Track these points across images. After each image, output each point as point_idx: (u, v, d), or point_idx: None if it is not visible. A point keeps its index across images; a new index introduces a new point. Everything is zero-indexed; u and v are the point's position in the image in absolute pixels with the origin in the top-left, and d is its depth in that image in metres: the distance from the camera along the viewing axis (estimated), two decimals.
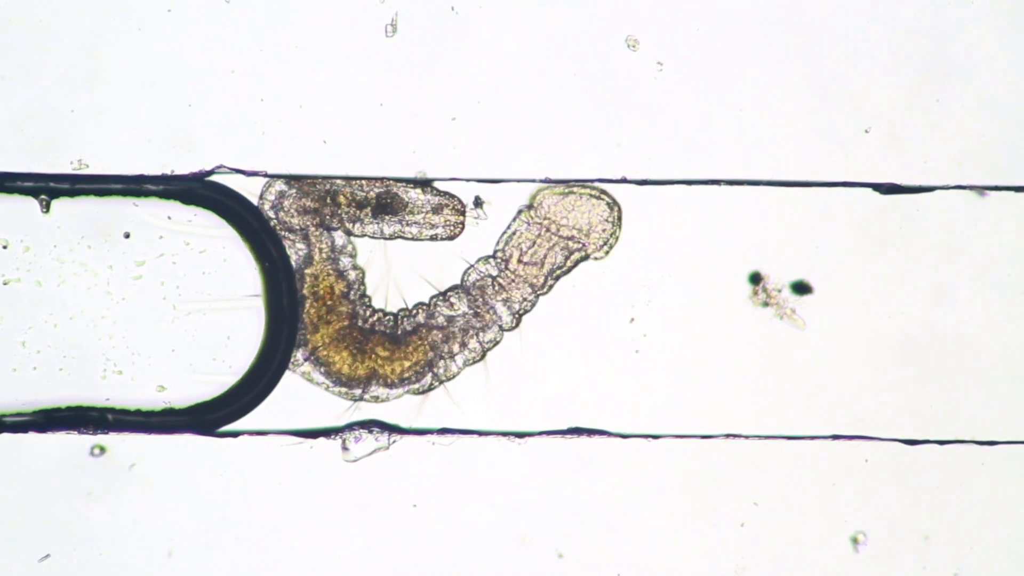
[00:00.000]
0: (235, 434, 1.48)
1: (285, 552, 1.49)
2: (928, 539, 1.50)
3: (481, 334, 1.44)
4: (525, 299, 1.45)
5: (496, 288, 1.44)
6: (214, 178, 1.47)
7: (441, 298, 1.45)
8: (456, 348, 1.45)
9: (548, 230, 1.47)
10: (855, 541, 1.50)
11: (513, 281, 1.46)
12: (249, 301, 1.46)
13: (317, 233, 1.44)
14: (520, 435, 1.48)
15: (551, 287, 1.46)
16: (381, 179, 1.42)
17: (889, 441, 1.49)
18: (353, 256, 1.45)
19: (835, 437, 1.49)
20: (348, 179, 1.45)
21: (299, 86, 1.47)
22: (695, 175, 1.48)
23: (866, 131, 1.49)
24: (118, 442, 1.48)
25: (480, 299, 1.43)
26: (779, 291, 1.47)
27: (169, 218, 1.47)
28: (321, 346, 1.42)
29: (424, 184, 1.42)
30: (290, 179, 1.46)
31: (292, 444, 1.48)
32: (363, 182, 1.43)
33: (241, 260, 1.46)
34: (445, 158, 1.48)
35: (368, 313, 1.44)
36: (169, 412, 1.47)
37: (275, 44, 1.47)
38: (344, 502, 1.49)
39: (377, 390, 1.45)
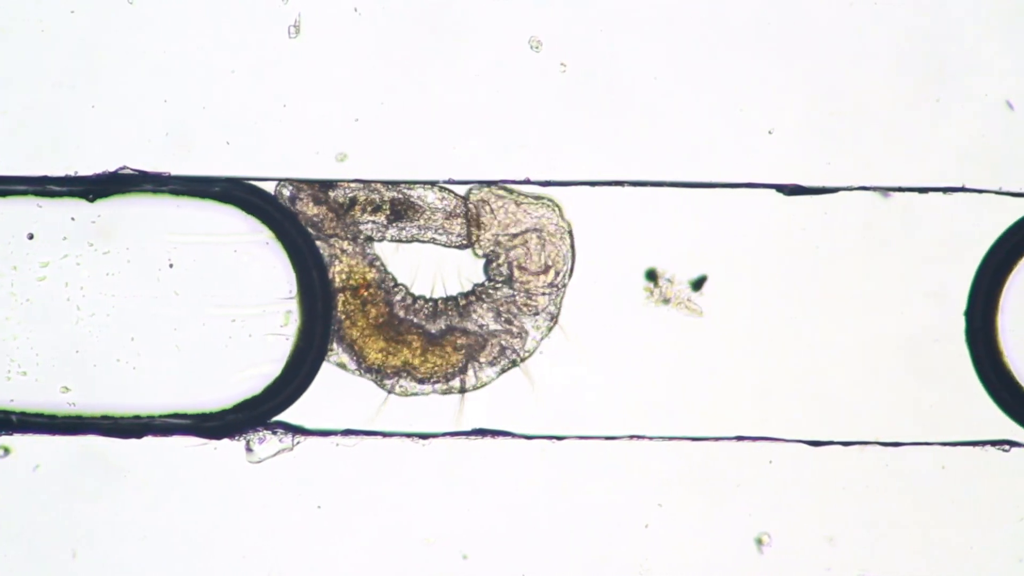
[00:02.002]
0: (139, 435, 1.48)
1: (188, 553, 1.49)
2: (833, 540, 1.50)
3: (514, 347, 1.43)
4: (548, 296, 1.44)
5: (519, 302, 1.44)
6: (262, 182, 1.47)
7: (474, 299, 1.44)
8: (489, 359, 1.44)
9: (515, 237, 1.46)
10: (759, 542, 1.50)
11: (527, 291, 1.45)
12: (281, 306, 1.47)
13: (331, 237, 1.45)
14: (424, 436, 1.48)
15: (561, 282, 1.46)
16: (395, 183, 1.43)
17: (793, 442, 1.48)
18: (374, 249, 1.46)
19: (739, 438, 1.49)
20: (364, 183, 1.45)
21: (202, 87, 1.47)
22: (600, 176, 1.48)
23: (769, 132, 1.49)
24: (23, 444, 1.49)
25: (509, 313, 1.43)
26: (671, 282, 1.46)
27: (72, 219, 1.47)
28: (358, 337, 1.42)
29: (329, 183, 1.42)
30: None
31: (196, 445, 1.48)
32: (378, 186, 1.43)
33: (276, 263, 1.47)
34: (348, 158, 1.48)
35: (404, 298, 1.44)
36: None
37: (178, 45, 1.47)
38: (248, 504, 1.49)
39: (407, 383, 1.45)
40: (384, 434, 1.48)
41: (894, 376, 1.48)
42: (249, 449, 1.48)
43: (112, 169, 1.47)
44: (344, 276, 1.44)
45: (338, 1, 1.48)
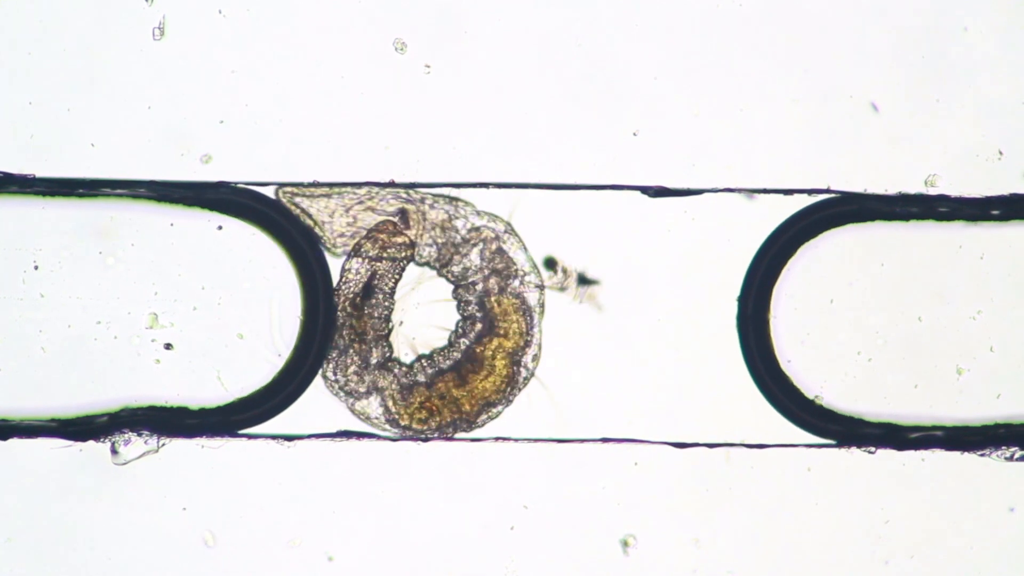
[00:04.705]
0: (5, 436, 1.48)
1: (54, 554, 1.49)
2: (699, 542, 1.50)
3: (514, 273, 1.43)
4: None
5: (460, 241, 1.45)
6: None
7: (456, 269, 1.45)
8: (515, 272, 1.44)
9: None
10: (625, 544, 1.50)
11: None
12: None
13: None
14: (289, 438, 1.48)
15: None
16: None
17: (659, 444, 1.49)
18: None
19: (605, 440, 1.49)
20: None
21: (67, 89, 1.47)
22: (464, 178, 1.48)
23: (634, 134, 1.49)
24: None
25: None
26: (567, 273, 1.46)
27: None
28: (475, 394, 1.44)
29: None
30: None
31: (62, 447, 1.48)
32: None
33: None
34: (216, 161, 1.48)
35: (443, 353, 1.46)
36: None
37: (43, 46, 1.47)
38: (113, 505, 1.49)
39: (528, 361, 1.45)
40: (250, 436, 1.48)
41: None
42: (114, 451, 1.48)
43: None
44: (413, 420, 1.46)
45: (203, 3, 1.48)
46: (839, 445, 1.49)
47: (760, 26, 1.48)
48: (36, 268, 1.48)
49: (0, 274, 1.47)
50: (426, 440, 1.47)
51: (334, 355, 1.42)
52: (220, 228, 1.47)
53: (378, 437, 1.49)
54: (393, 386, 1.45)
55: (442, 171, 1.48)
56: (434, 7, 1.48)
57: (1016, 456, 1.48)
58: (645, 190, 1.48)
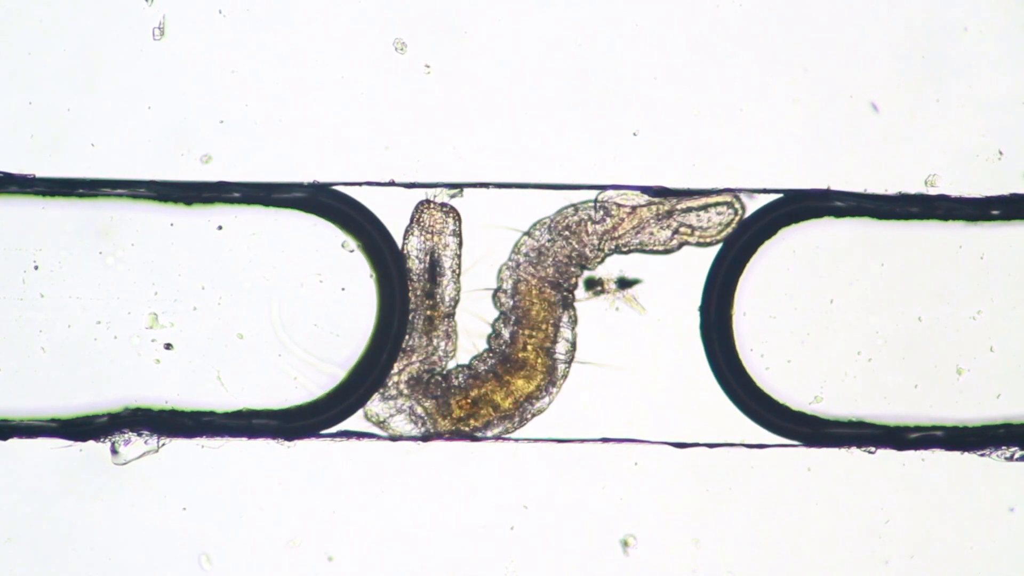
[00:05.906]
0: (5, 436, 1.48)
1: (54, 554, 1.49)
2: (699, 542, 1.50)
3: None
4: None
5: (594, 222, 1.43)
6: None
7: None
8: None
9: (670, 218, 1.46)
10: (625, 544, 1.50)
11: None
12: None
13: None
14: (290, 438, 1.48)
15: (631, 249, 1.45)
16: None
17: (658, 444, 1.49)
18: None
19: (605, 440, 1.49)
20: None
21: (67, 89, 1.47)
22: (464, 178, 1.48)
23: (634, 134, 1.49)
24: None
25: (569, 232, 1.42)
26: (612, 282, 1.46)
27: None
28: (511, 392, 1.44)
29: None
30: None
31: (62, 447, 1.48)
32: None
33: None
34: (213, 160, 1.48)
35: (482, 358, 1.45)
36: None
37: (43, 46, 1.47)
38: (113, 505, 1.49)
39: (559, 349, 1.45)
40: (249, 435, 1.48)
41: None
42: (114, 451, 1.48)
43: None
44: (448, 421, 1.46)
45: (203, 3, 1.48)
46: (837, 446, 1.49)
47: (760, 26, 1.48)
48: (36, 268, 1.48)
49: (0, 274, 1.47)
50: (426, 440, 1.47)
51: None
52: (220, 228, 1.47)
53: (378, 437, 1.49)
54: (431, 403, 1.45)
55: (442, 171, 1.48)
56: (434, 7, 1.48)
57: (1016, 456, 1.48)
58: (645, 190, 1.48)
